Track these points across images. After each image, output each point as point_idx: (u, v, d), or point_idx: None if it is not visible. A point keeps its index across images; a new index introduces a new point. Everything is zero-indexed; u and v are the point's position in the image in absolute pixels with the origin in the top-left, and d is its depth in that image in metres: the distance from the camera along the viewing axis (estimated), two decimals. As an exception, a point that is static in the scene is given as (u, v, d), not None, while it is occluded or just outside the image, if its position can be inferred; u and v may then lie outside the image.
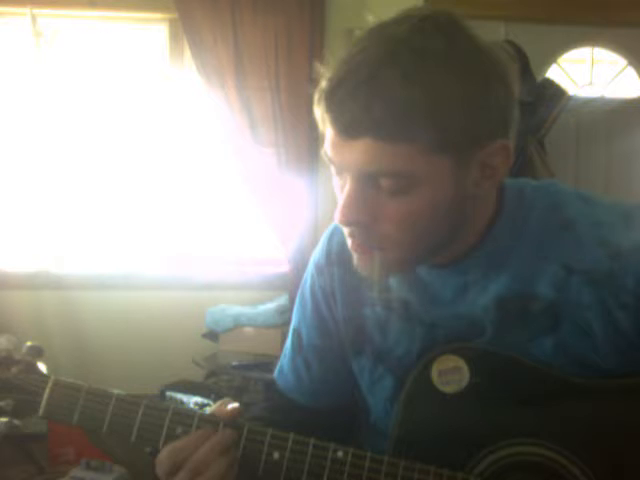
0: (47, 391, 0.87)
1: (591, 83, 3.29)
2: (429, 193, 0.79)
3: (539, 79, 3.00)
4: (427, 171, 0.77)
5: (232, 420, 0.86)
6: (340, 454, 0.83)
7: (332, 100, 0.78)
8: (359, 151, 0.77)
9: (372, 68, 0.75)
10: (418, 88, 0.74)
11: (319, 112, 0.80)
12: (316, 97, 0.80)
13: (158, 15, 3.05)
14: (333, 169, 0.84)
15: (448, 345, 0.88)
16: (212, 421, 0.86)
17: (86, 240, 3.10)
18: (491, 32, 2.98)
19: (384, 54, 0.76)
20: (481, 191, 0.83)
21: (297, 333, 1.06)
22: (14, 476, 2.45)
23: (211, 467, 0.82)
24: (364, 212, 0.80)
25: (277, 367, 1.09)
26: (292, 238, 2.91)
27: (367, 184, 0.80)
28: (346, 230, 0.85)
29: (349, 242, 0.86)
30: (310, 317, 1.04)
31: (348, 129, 0.77)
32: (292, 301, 2.68)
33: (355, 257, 0.86)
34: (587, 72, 3.29)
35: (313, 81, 0.81)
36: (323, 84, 0.79)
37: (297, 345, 1.05)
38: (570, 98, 2.91)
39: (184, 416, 0.86)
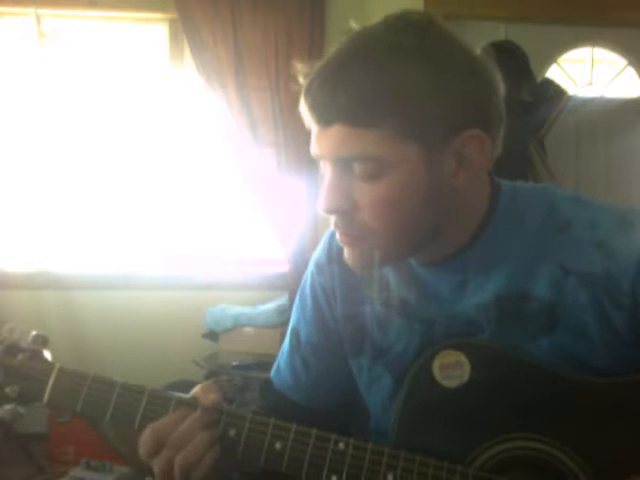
0: (52, 378, 0.88)
1: (591, 83, 3.29)
2: (399, 179, 0.81)
3: (539, 79, 3.00)
4: (396, 157, 0.81)
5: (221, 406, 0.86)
6: (341, 445, 0.84)
7: (308, 92, 0.83)
8: (332, 137, 0.82)
9: (342, 60, 0.81)
10: (383, 76, 0.79)
11: (301, 107, 0.85)
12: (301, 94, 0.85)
13: (158, 15, 3.05)
14: (321, 163, 0.87)
15: (450, 340, 0.89)
16: (216, 410, 0.86)
17: (86, 240, 3.10)
18: (491, 32, 2.98)
19: (355, 48, 0.81)
20: (459, 182, 0.84)
21: (295, 332, 1.06)
22: (14, 476, 2.46)
23: (192, 442, 0.82)
24: (343, 199, 0.84)
25: (274, 367, 1.09)
26: (292, 238, 2.91)
27: (343, 170, 0.83)
28: (332, 221, 0.87)
29: (337, 235, 0.88)
30: (310, 315, 1.04)
31: (321, 117, 0.82)
32: (292, 301, 2.67)
33: (345, 251, 0.88)
34: (587, 72, 3.29)
35: (295, 79, 0.86)
36: (303, 80, 0.84)
37: (295, 344, 1.06)
38: (570, 98, 2.91)
39: (186, 405, 0.86)
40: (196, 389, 0.89)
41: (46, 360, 0.91)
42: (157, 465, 0.84)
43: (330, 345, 1.03)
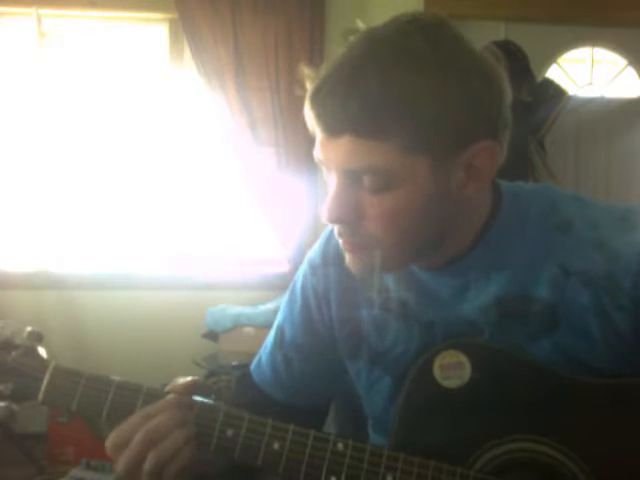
0: (47, 376, 0.86)
1: (591, 83, 3.29)
2: (409, 192, 0.80)
3: (539, 79, 3.00)
4: (405, 170, 0.79)
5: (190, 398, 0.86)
6: (340, 446, 0.83)
7: (315, 99, 0.80)
8: (341, 148, 0.79)
9: (352, 67, 0.78)
10: (394, 87, 0.76)
11: (307, 112, 0.82)
12: (306, 98, 0.82)
13: (158, 15, 3.05)
14: (324, 169, 0.85)
15: (450, 340, 0.88)
16: (214, 408, 0.85)
17: (86, 240, 3.10)
18: (491, 32, 2.98)
19: (365, 54, 0.78)
20: (468, 193, 0.83)
21: (281, 329, 1.06)
22: (14, 476, 2.46)
23: (167, 439, 0.81)
24: (348, 210, 0.82)
25: (255, 360, 1.08)
26: (292, 238, 2.91)
27: (351, 182, 0.81)
28: (335, 229, 0.86)
29: (340, 241, 0.87)
30: (297, 316, 1.04)
31: (330, 127, 0.79)
32: (292, 301, 2.67)
33: (347, 256, 0.87)
34: (587, 72, 3.29)
35: (300, 83, 0.83)
36: (310, 85, 0.81)
37: (279, 341, 1.05)
38: (570, 98, 2.91)
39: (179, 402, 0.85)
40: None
41: (41, 357, 0.89)
42: (149, 463, 0.82)
43: (316, 348, 1.02)
